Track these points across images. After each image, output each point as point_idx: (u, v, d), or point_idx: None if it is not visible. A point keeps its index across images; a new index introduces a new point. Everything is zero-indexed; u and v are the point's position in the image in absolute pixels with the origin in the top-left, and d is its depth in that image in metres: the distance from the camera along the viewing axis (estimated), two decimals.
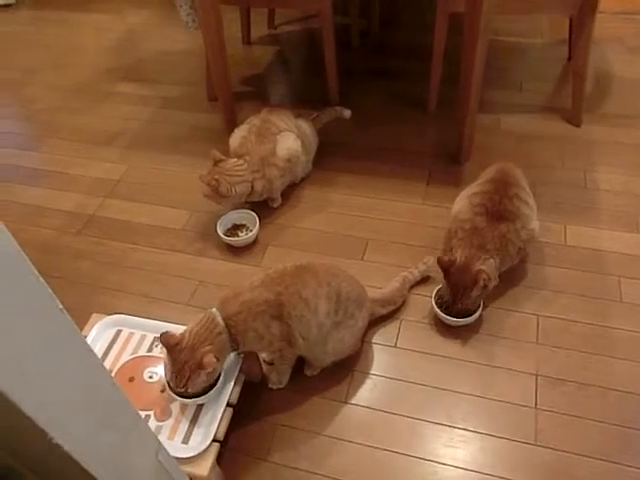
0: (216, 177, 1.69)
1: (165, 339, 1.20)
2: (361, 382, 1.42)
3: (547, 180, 1.90)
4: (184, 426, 1.20)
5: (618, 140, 2.04)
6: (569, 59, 2.43)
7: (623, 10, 2.71)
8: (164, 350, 1.20)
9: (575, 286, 1.58)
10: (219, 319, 1.22)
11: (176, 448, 1.15)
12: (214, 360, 1.15)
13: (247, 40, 2.75)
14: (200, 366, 1.16)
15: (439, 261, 1.46)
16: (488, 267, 1.45)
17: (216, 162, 1.74)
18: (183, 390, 1.18)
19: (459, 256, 1.47)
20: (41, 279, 0.61)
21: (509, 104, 2.24)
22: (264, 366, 1.43)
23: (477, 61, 1.77)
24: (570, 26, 2.35)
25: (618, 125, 2.10)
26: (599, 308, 1.53)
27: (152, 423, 1.21)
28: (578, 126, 2.10)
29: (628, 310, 1.52)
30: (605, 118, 2.13)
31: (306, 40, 2.81)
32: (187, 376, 1.17)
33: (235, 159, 1.76)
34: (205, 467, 1.14)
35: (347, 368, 1.44)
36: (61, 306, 0.64)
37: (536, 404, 1.35)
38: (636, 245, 1.67)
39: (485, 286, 1.41)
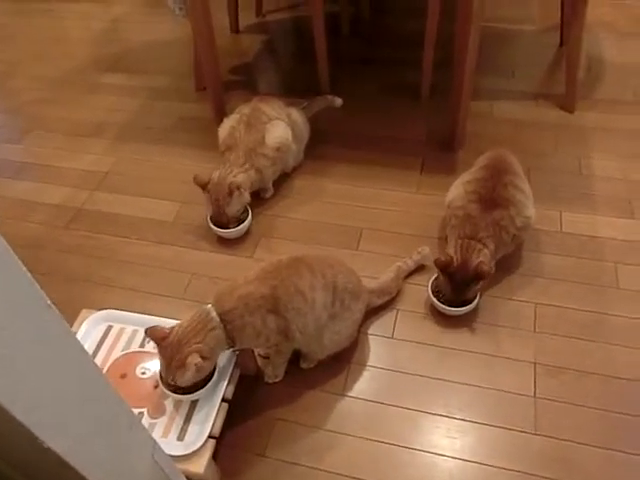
0: (228, 183, 1.64)
1: (151, 332, 1.17)
2: (358, 374, 1.40)
3: (542, 167, 1.88)
4: (178, 423, 1.18)
5: (612, 126, 2.02)
6: (561, 45, 2.41)
7: None
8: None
9: (572, 273, 1.57)
10: (214, 314, 1.19)
11: (171, 446, 1.12)
12: (198, 360, 1.12)
13: (235, 29, 2.70)
14: (183, 365, 1.13)
15: (436, 263, 1.44)
16: (484, 258, 1.43)
17: (205, 184, 1.67)
18: (172, 384, 1.16)
19: (454, 251, 1.45)
20: (29, 275, 0.58)
21: (502, 91, 2.21)
22: (259, 360, 1.41)
23: (470, 47, 1.74)
24: (562, 12, 2.32)
25: (612, 111, 2.08)
26: (596, 295, 1.52)
27: (145, 421, 1.18)
28: (572, 112, 2.09)
29: (625, 296, 1.51)
30: (598, 104, 2.12)
31: (295, 28, 2.76)
32: (173, 372, 1.14)
33: (218, 172, 1.70)
34: (201, 464, 1.12)
35: (344, 360, 1.42)
36: (50, 302, 0.61)
37: (535, 393, 1.33)
38: (632, 231, 1.66)
39: (488, 275, 1.40)
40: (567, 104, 2.09)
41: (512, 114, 2.11)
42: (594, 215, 1.72)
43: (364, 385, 1.38)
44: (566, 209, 1.74)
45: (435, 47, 2.07)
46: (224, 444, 1.27)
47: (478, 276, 1.40)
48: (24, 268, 0.58)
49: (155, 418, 1.19)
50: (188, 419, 1.18)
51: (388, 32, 2.62)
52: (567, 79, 2.07)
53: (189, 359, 1.12)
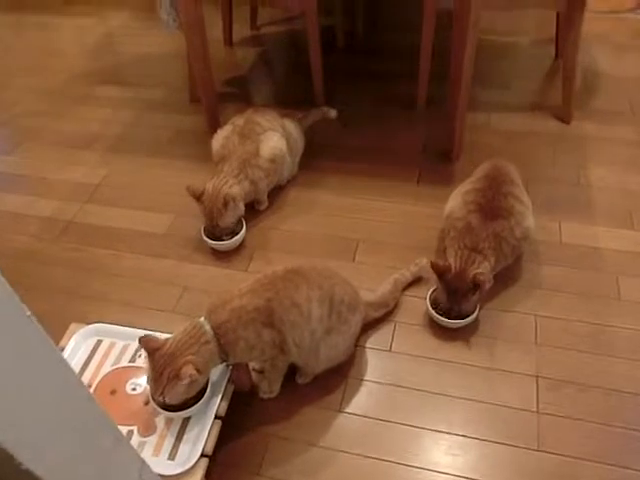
0: (224, 194, 1.61)
1: (145, 342, 1.13)
2: (356, 389, 1.36)
3: (540, 178, 1.86)
4: (170, 441, 1.13)
5: (609, 136, 2.01)
6: (556, 57, 2.41)
7: (610, 9, 2.69)
8: (145, 355, 1.14)
9: (572, 284, 1.54)
10: (207, 328, 1.15)
11: (162, 465, 1.08)
12: (193, 372, 1.08)
13: (229, 42, 2.69)
14: (177, 376, 1.09)
15: (433, 267, 1.41)
16: (483, 270, 1.40)
17: (199, 195, 1.64)
18: (161, 399, 1.11)
19: (453, 260, 1.43)
20: (7, 285, 0.55)
21: (498, 102, 2.20)
22: (254, 375, 1.36)
23: (466, 58, 1.73)
24: (557, 24, 2.33)
25: (608, 122, 2.07)
26: (598, 307, 1.49)
27: (135, 438, 1.13)
28: (568, 123, 2.08)
29: (627, 308, 1.48)
30: (595, 115, 2.11)
31: (290, 41, 2.75)
32: (164, 385, 1.10)
33: (212, 182, 1.67)
34: None
35: (341, 375, 1.38)
36: (29, 313, 0.57)
37: (538, 408, 1.30)
38: (633, 242, 1.64)
39: (485, 286, 1.37)
40: (564, 115, 2.08)
41: (509, 125, 2.09)
42: (594, 226, 1.70)
43: (361, 400, 1.34)
44: (565, 220, 1.72)
45: (431, 59, 2.06)
46: (217, 462, 1.22)
47: (475, 286, 1.37)
48: (1, 277, 0.54)
49: (145, 436, 1.14)
50: (180, 437, 1.14)
51: (383, 45, 2.61)
52: (564, 90, 2.06)
53: (184, 369, 1.08)
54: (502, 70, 2.38)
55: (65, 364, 0.63)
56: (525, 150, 1.98)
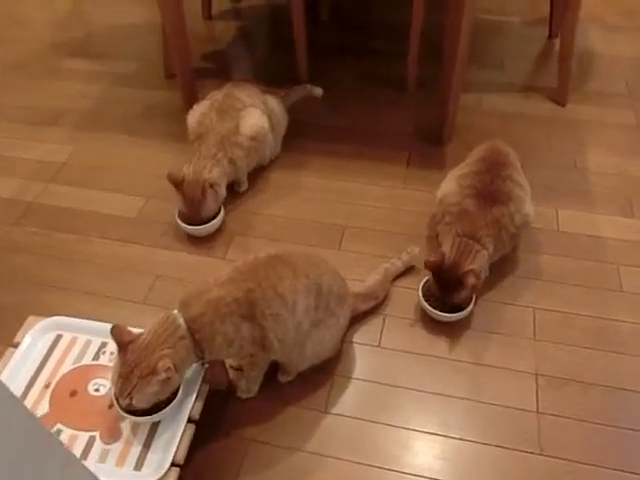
0: (202, 182, 1.49)
1: (118, 333, 1.02)
2: (342, 388, 1.26)
3: (535, 162, 1.76)
4: (136, 449, 1.01)
5: (606, 120, 1.93)
6: (549, 37, 2.31)
7: None
8: (115, 348, 1.02)
9: (571, 275, 1.46)
10: (181, 321, 1.04)
11: (126, 477, 0.97)
12: (170, 366, 0.97)
13: (208, 15, 2.55)
14: (153, 371, 0.97)
15: (427, 264, 1.31)
16: (480, 262, 1.31)
17: (180, 182, 1.51)
18: (127, 401, 0.99)
19: (449, 249, 1.33)
20: None
21: (491, 83, 2.10)
22: (231, 372, 1.25)
23: (462, 39, 1.63)
24: (551, 4, 2.23)
25: (604, 104, 1.99)
26: (598, 299, 1.41)
27: (97, 446, 1.01)
28: (564, 105, 1.98)
29: (629, 300, 1.40)
30: (590, 97, 2.02)
31: (272, 14, 2.61)
32: (134, 383, 0.98)
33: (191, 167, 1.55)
34: None
35: (326, 372, 1.28)
36: None
37: (538, 408, 1.21)
38: (633, 230, 1.56)
39: (474, 287, 1.27)
40: (559, 97, 1.99)
41: (502, 107, 2.00)
42: (592, 213, 1.61)
43: (349, 400, 1.24)
44: (562, 207, 1.63)
45: (421, 36, 1.95)
46: (190, 472, 1.11)
47: (465, 285, 1.27)
48: None
49: (109, 443, 1.02)
50: (148, 444, 1.02)
51: (370, 18, 2.49)
52: (560, 71, 1.97)
53: (161, 363, 0.97)
54: (494, 50, 2.28)
55: None
56: (519, 133, 1.88)
